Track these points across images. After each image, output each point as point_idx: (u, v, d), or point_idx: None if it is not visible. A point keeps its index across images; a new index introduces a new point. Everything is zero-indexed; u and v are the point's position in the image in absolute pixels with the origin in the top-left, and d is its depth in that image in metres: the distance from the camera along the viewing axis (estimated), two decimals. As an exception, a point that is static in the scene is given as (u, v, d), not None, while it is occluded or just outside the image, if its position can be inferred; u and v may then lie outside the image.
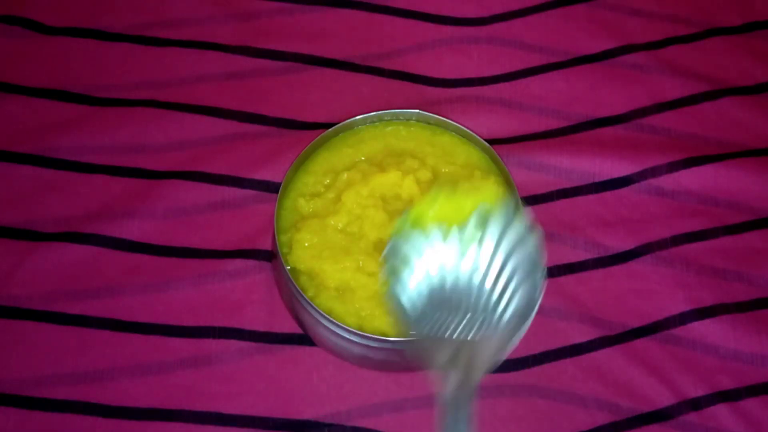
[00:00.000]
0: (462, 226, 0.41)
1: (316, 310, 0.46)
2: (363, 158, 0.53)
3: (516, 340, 0.40)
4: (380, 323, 0.47)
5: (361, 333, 0.46)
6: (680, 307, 0.55)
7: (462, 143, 0.54)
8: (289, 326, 0.54)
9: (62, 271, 0.55)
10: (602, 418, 0.52)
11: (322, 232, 0.49)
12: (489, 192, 0.43)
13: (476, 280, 0.41)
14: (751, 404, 0.53)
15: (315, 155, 0.53)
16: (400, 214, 0.44)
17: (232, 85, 0.62)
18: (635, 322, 0.54)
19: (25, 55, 0.62)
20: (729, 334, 0.54)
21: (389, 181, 0.50)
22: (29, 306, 0.54)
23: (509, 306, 0.40)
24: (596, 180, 0.59)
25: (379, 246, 0.48)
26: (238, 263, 0.55)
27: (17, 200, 0.57)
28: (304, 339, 0.53)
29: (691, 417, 0.52)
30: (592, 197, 0.59)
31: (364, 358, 0.49)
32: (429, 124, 0.54)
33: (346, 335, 0.46)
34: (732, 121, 0.62)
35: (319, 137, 0.52)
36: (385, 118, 0.54)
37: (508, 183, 0.51)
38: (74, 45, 0.63)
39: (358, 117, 0.52)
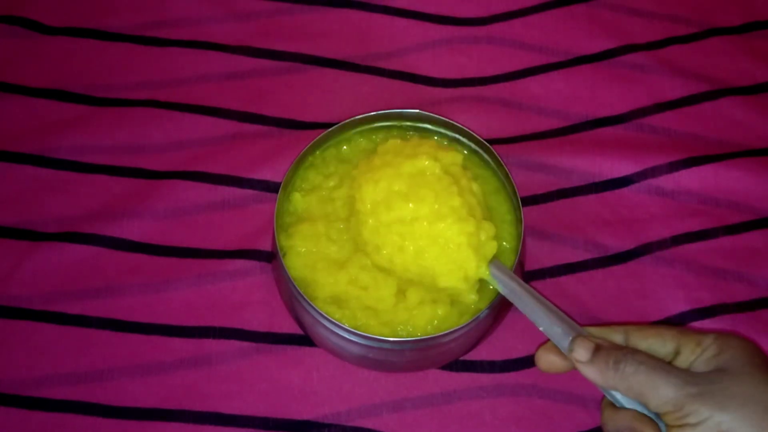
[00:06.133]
0: None
1: (316, 311, 0.46)
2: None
3: None
4: (375, 333, 0.47)
5: (361, 333, 0.46)
6: (680, 307, 0.55)
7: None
8: (289, 326, 0.54)
9: (62, 271, 0.55)
10: (602, 418, 0.52)
11: (315, 239, 0.49)
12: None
13: None
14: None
15: (315, 155, 0.53)
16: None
17: (232, 85, 0.62)
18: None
19: (25, 55, 0.62)
20: (729, 334, 0.54)
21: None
22: (29, 306, 0.54)
23: None
24: (596, 180, 0.59)
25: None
26: (239, 263, 0.55)
27: (17, 200, 0.57)
28: (304, 339, 0.53)
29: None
30: (592, 197, 0.58)
31: (364, 358, 0.49)
32: (430, 123, 0.54)
33: (346, 335, 0.46)
34: (732, 121, 0.61)
35: (318, 137, 0.52)
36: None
37: (508, 183, 0.51)
38: (74, 45, 0.63)
39: (358, 117, 0.52)
